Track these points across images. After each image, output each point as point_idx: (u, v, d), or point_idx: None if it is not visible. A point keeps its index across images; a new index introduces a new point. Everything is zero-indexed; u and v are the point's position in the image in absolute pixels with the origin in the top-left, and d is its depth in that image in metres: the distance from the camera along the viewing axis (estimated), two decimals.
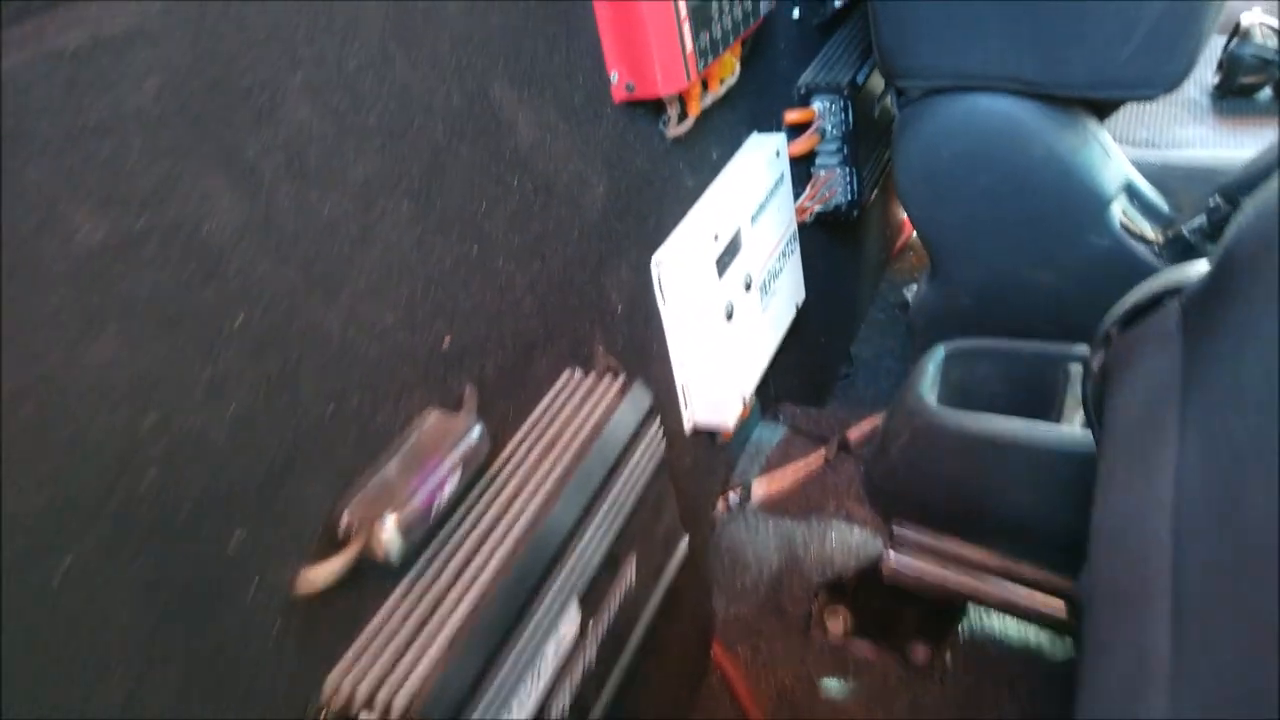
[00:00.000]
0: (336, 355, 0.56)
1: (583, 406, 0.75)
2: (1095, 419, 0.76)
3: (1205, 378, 0.60)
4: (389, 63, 0.57)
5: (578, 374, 0.78)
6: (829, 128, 1.21)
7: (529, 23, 0.69)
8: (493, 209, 0.67)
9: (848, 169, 1.24)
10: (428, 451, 0.62)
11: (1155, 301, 0.70)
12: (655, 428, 0.78)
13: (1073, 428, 0.90)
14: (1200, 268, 0.69)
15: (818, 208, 1.25)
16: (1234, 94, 1.12)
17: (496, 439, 0.70)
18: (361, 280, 0.57)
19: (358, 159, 0.56)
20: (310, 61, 0.52)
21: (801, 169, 1.24)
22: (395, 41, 0.57)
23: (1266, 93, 1.11)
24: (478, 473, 0.66)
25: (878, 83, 1.27)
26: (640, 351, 0.91)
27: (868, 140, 1.26)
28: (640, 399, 0.76)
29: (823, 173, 1.25)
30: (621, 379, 0.77)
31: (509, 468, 0.69)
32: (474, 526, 0.64)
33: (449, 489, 0.61)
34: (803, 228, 1.21)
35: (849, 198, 1.26)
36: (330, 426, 0.56)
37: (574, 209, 0.78)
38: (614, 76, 0.80)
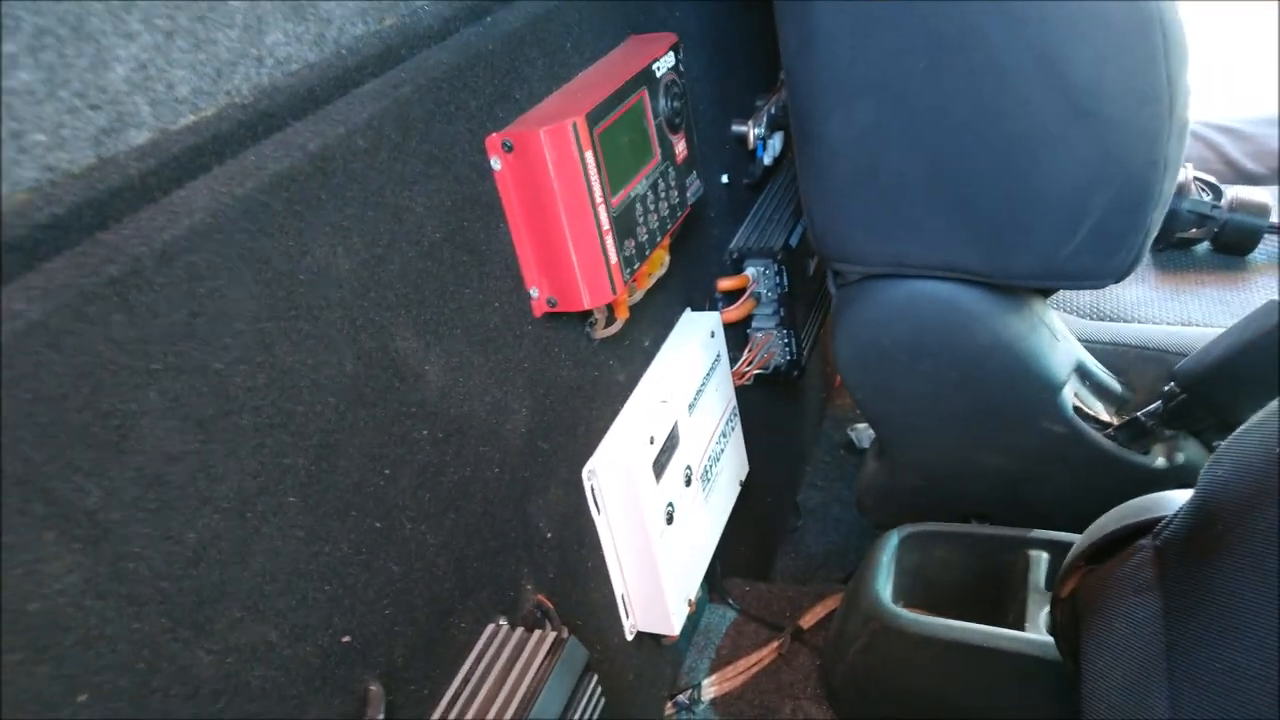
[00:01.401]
0: (209, 698, 0.47)
1: (509, 673, 0.66)
2: (1070, 655, 0.70)
3: (1194, 652, 0.54)
4: (267, 349, 0.50)
5: (503, 627, 0.70)
6: (764, 292, 1.17)
7: (435, 259, 0.63)
8: (397, 473, 0.60)
9: (785, 330, 1.20)
10: None
11: (1127, 536, 0.65)
12: (591, 689, 0.69)
13: (1040, 634, 0.85)
14: (1170, 501, 0.64)
15: (757, 371, 1.21)
16: (1172, 247, 1.12)
17: None
18: (239, 602, 0.48)
19: (229, 469, 0.48)
20: (167, 373, 0.44)
21: (737, 331, 1.20)
22: (274, 322, 0.50)
23: (1204, 246, 1.11)
24: None
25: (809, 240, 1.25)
26: (574, 573, 0.83)
27: (804, 299, 1.23)
28: (574, 658, 0.68)
29: (760, 335, 1.21)
30: (553, 635, 0.68)
31: None
32: None
33: None
34: (741, 390, 1.16)
35: (788, 358, 1.22)
36: None
37: (493, 443, 0.70)
38: (534, 292, 0.75)
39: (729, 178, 1.15)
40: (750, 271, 1.16)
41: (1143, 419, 0.87)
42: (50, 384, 0.39)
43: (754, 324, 1.21)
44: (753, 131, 1.17)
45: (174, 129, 0.49)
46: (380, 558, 0.58)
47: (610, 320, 0.84)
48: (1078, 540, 0.70)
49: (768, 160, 1.23)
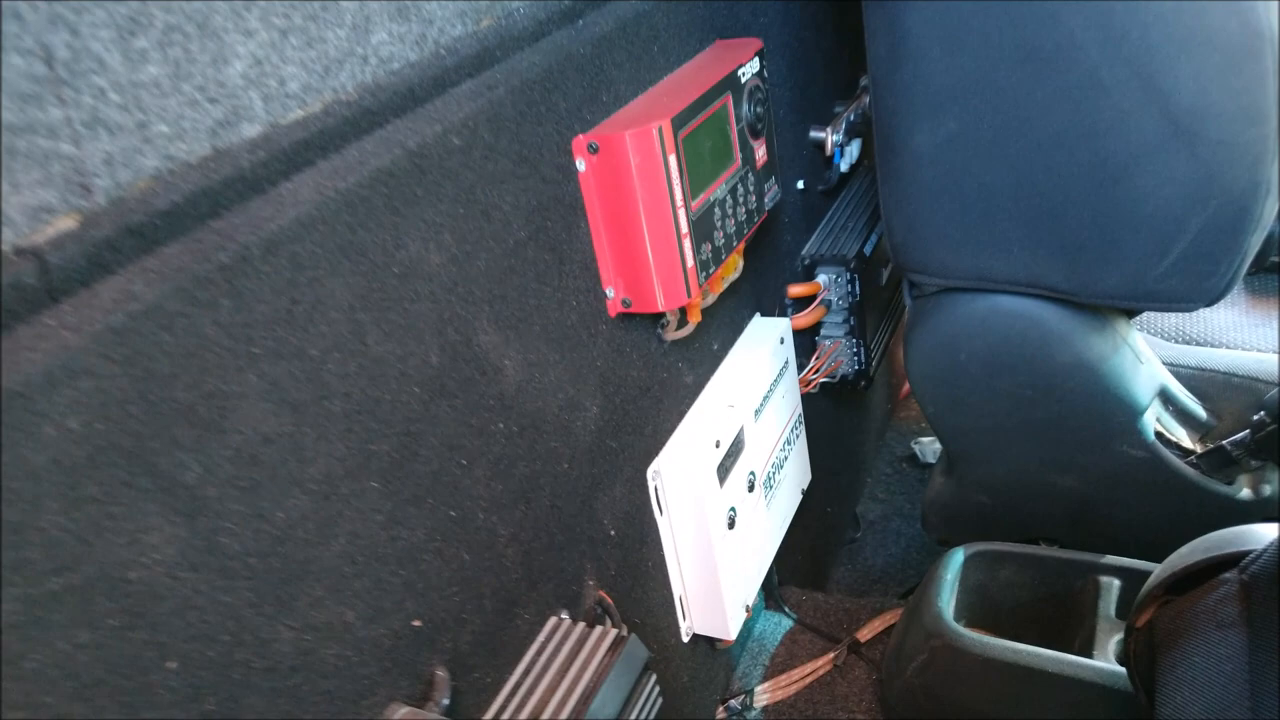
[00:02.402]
0: (287, 673, 0.49)
1: (569, 667, 0.67)
2: (1142, 686, 0.68)
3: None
4: (359, 337, 0.51)
5: (565, 621, 0.71)
6: (835, 299, 1.16)
7: (519, 257, 0.64)
8: (473, 464, 0.61)
9: (854, 340, 1.19)
10: None
11: (1210, 569, 0.63)
12: (651, 687, 0.70)
13: (1109, 662, 0.82)
14: (1257, 535, 0.62)
15: (824, 379, 1.20)
16: (1265, 271, 1.07)
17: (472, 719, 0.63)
18: (320, 581, 0.50)
19: (318, 452, 0.49)
20: (266, 358, 0.46)
21: (805, 337, 1.19)
22: (367, 312, 0.52)
23: None
24: None
25: (885, 248, 1.23)
26: (635, 572, 0.84)
27: (875, 309, 1.21)
28: (634, 657, 0.69)
29: (828, 343, 1.20)
30: (614, 632, 0.69)
31: None
32: None
33: None
34: (806, 397, 1.15)
35: (856, 368, 1.21)
36: None
37: (564, 439, 0.71)
38: (610, 292, 0.75)
39: (804, 183, 1.15)
40: (822, 279, 1.15)
41: (1228, 448, 0.84)
42: (162, 363, 0.41)
43: (823, 332, 1.20)
44: (831, 138, 1.16)
45: (283, 123, 0.51)
46: (453, 545, 0.60)
47: (682, 323, 0.84)
48: (1157, 569, 0.68)
49: (844, 167, 1.22)
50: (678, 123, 0.71)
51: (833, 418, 1.32)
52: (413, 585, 0.57)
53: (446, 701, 0.58)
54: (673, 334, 0.84)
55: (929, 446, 1.63)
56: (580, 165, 0.70)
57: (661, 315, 0.83)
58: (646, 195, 0.70)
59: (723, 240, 0.80)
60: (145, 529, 0.41)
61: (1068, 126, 0.73)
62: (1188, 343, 0.98)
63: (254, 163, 0.48)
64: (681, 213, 0.72)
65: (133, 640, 0.41)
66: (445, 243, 0.57)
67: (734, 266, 0.88)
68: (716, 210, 0.79)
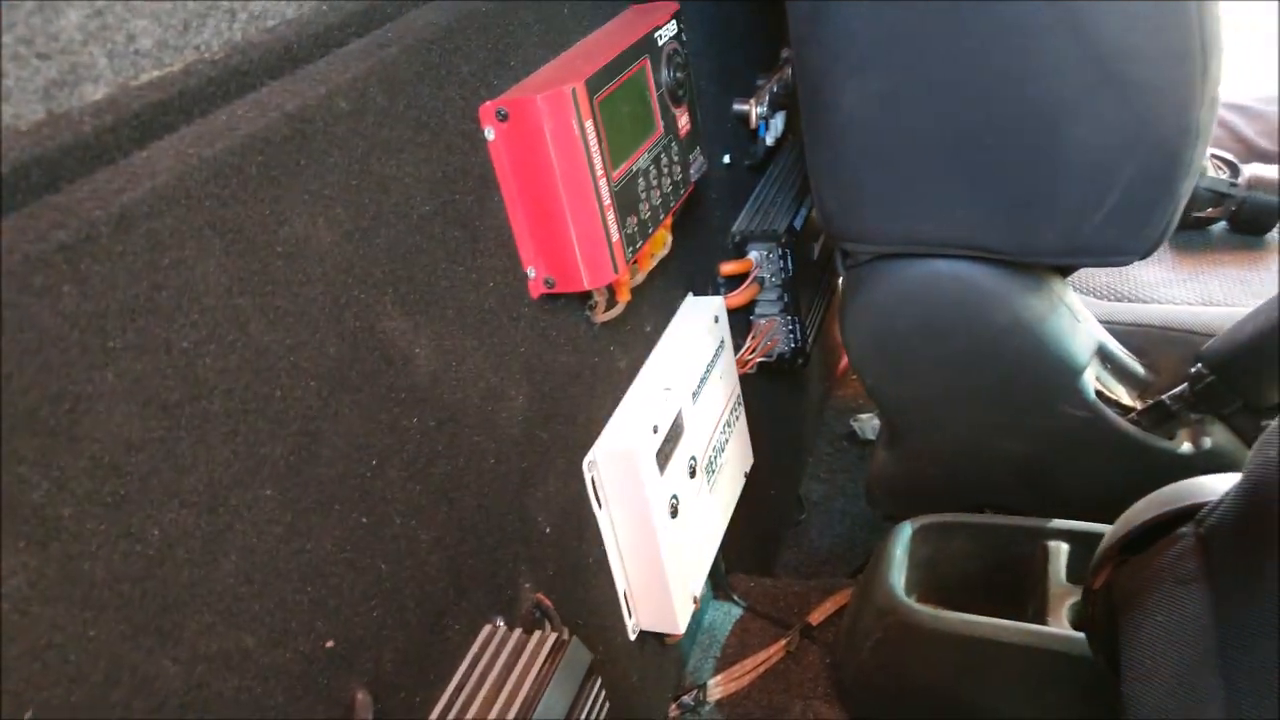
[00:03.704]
0: (176, 710, 0.43)
1: (507, 678, 0.62)
2: (1102, 650, 0.66)
3: (1252, 647, 0.50)
4: (239, 326, 0.45)
5: (500, 629, 0.66)
6: (768, 276, 1.13)
7: (425, 234, 0.59)
8: (385, 464, 0.55)
9: (790, 316, 1.15)
10: None
11: (1164, 525, 0.61)
12: (596, 692, 0.65)
13: (1063, 628, 0.81)
14: (1207, 487, 0.60)
15: (760, 359, 1.16)
16: (1188, 228, 1.08)
17: None
18: (210, 606, 0.44)
19: (198, 458, 0.43)
20: (126, 352, 0.40)
21: (740, 317, 1.16)
22: (247, 298, 0.46)
23: (1221, 225, 1.07)
24: None
25: (815, 222, 1.20)
26: (574, 570, 0.79)
27: (808, 285, 1.19)
28: (576, 661, 0.64)
29: (763, 321, 1.17)
30: (554, 637, 0.64)
31: None
32: None
33: None
34: (743, 379, 1.12)
35: (793, 345, 1.18)
36: None
37: (488, 432, 0.66)
38: (530, 272, 0.70)
39: (730, 158, 1.11)
40: (753, 255, 1.11)
41: (1168, 402, 0.83)
42: None
43: (757, 310, 1.16)
44: (755, 110, 1.13)
45: (135, 84, 0.45)
46: (367, 555, 0.54)
47: (611, 303, 0.79)
48: (1110, 530, 0.66)
49: (770, 141, 1.19)
50: (592, 85, 0.66)
51: (771, 399, 1.29)
52: (322, 603, 0.51)
53: None
54: (602, 315, 0.79)
55: (868, 423, 1.62)
56: (489, 134, 0.65)
57: (589, 296, 0.78)
58: (563, 164, 0.65)
59: (649, 213, 0.76)
60: None
61: (997, 75, 0.70)
62: (1120, 300, 0.98)
63: (99, 128, 0.41)
64: (602, 183, 0.68)
65: None
66: (337, 218, 0.51)
67: (662, 243, 0.84)
68: (640, 181, 0.74)
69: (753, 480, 1.09)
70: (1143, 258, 0.76)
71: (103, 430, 0.39)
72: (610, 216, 0.69)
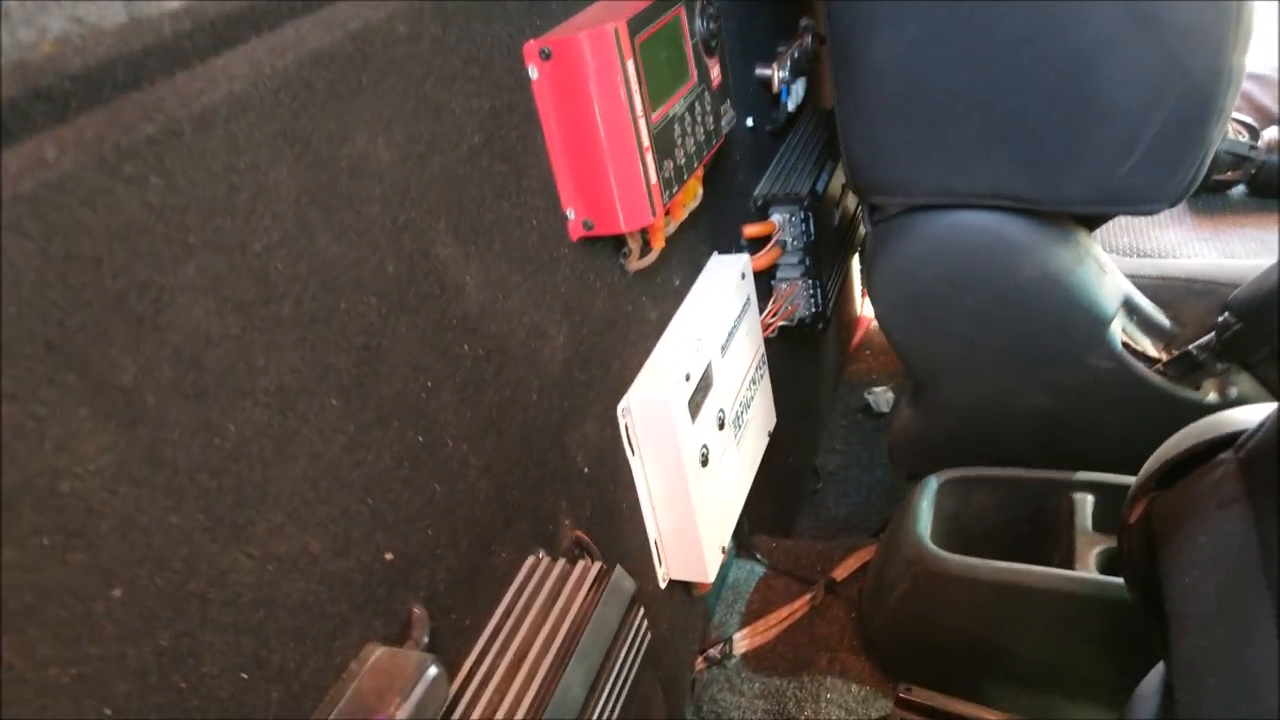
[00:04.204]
0: (249, 608, 0.44)
1: (553, 604, 0.63)
2: (1138, 585, 0.67)
3: None
4: (307, 236, 0.46)
5: (543, 560, 0.67)
6: (790, 240, 1.14)
7: (474, 165, 0.60)
8: (439, 386, 0.56)
9: (811, 280, 1.17)
10: (372, 704, 0.49)
11: (1202, 455, 0.62)
12: (639, 621, 0.66)
13: (1091, 572, 0.82)
14: (1241, 418, 0.61)
15: (781, 323, 1.17)
16: (1208, 191, 1.09)
17: (452, 664, 0.58)
18: (280, 506, 0.45)
19: (270, 359, 0.44)
20: (205, 249, 0.41)
21: (761, 282, 1.17)
22: (315, 208, 0.47)
23: (1240, 189, 1.08)
24: (435, 716, 0.53)
25: (836, 188, 1.22)
26: (609, 513, 0.80)
27: (829, 249, 1.20)
28: (621, 589, 0.65)
29: (784, 286, 1.18)
30: (597, 566, 0.65)
31: (467, 697, 0.57)
32: None
33: None
34: (765, 342, 1.13)
35: (813, 310, 1.19)
36: (244, 700, 0.43)
37: (531, 367, 0.67)
38: (570, 214, 0.71)
39: (754, 121, 1.12)
40: (776, 218, 1.13)
41: (1194, 352, 0.84)
42: (84, 243, 0.36)
43: (778, 274, 1.18)
44: (777, 75, 1.14)
45: None
46: (422, 474, 0.55)
47: (645, 250, 0.80)
48: (1145, 464, 0.67)
49: (791, 106, 1.20)
50: (633, 26, 0.67)
51: (791, 364, 1.31)
52: (381, 516, 0.52)
53: (426, 640, 0.54)
54: (636, 263, 0.80)
55: (882, 396, 1.63)
56: (533, 73, 0.66)
57: (623, 244, 0.79)
58: (604, 103, 0.66)
59: (684, 159, 0.77)
60: (76, 435, 0.36)
61: (1030, 21, 0.71)
62: (1144, 258, 0.99)
63: (177, 33, 0.42)
64: (642, 124, 0.69)
65: (70, 563, 0.36)
66: (395, 140, 0.52)
67: (694, 193, 0.85)
68: (676, 127, 0.75)
69: (772, 447, 1.10)
70: (1171, 205, 0.77)
71: (184, 322, 0.40)
72: (649, 159, 0.70)
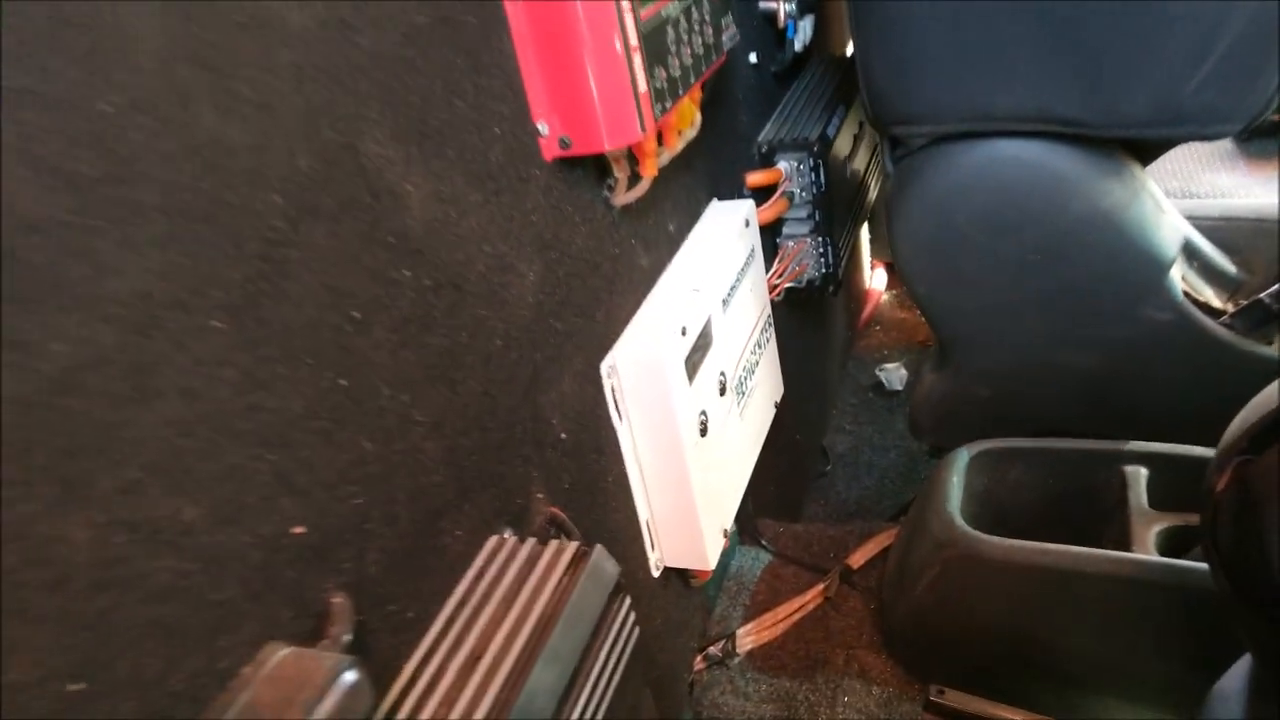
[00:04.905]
0: (87, 590, 0.32)
1: (518, 593, 0.52)
2: (1228, 565, 0.56)
3: None
4: (181, 103, 0.35)
5: (509, 540, 0.55)
6: (797, 191, 1.02)
7: (419, 49, 0.48)
8: (370, 320, 0.45)
9: (820, 238, 1.05)
10: None
11: None
12: (625, 611, 0.55)
13: (1151, 555, 0.71)
14: None
15: (788, 284, 1.06)
16: (1260, 135, 0.97)
17: (388, 667, 0.47)
18: (135, 458, 0.34)
19: (124, 261, 0.33)
20: (19, 95, 0.29)
21: (766, 240, 1.05)
22: (193, 68, 0.35)
23: None
24: None
25: (846, 140, 1.10)
26: (591, 489, 0.68)
27: (841, 204, 1.08)
28: (603, 572, 0.54)
29: (791, 244, 1.06)
30: (574, 546, 0.54)
31: (406, 710, 0.45)
32: None
33: None
34: (771, 306, 1.01)
35: (823, 271, 1.07)
36: (74, 715, 0.32)
37: (495, 308, 0.56)
38: (543, 128, 0.60)
39: (758, 58, 1.01)
40: (783, 166, 1.01)
41: (1267, 301, 0.73)
42: None
43: (784, 230, 1.06)
44: (783, 7, 1.02)
45: None
46: (346, 428, 0.44)
47: (634, 180, 0.69)
48: (1235, 423, 0.56)
49: (798, 45, 1.09)
50: None
51: (797, 332, 1.19)
52: (288, 478, 0.41)
53: (349, 638, 0.42)
54: (623, 196, 0.69)
55: (894, 373, 1.52)
56: None
57: (608, 174, 0.68)
58: None
59: (679, 72, 0.65)
60: None
61: None
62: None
63: None
64: (629, 19, 0.57)
65: None
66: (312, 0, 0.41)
67: (690, 118, 0.74)
68: (669, 31, 0.64)
69: (777, 424, 0.98)
70: (1243, 127, 0.65)
71: None
72: (637, 62, 0.59)
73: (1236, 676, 0.60)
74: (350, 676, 0.38)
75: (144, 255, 0.34)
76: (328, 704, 0.37)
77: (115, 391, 0.33)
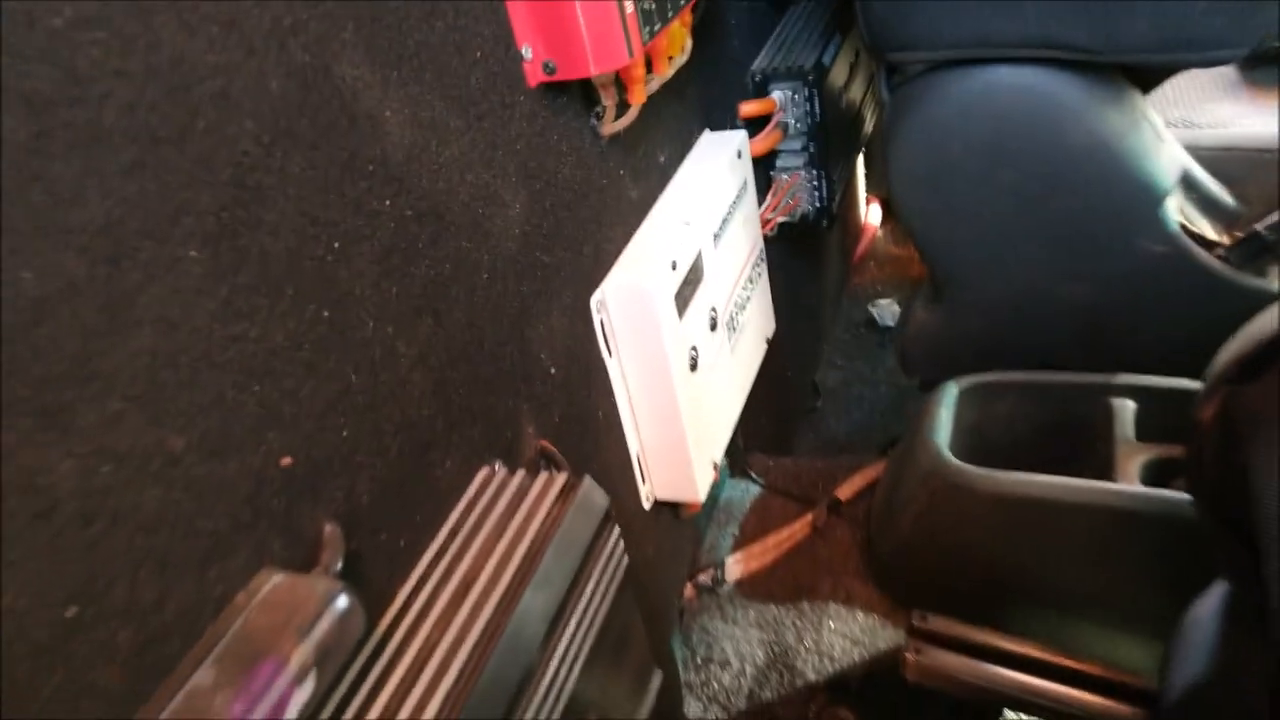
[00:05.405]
0: (75, 521, 0.32)
1: (509, 522, 0.52)
2: (1210, 495, 0.57)
3: None
4: (139, 18, 0.34)
5: (499, 472, 0.56)
6: (792, 121, 1.01)
7: None
8: (350, 250, 0.44)
9: (815, 170, 1.04)
10: (262, 644, 0.38)
11: None
12: (614, 541, 0.56)
13: (1135, 485, 0.71)
14: None
15: (782, 219, 1.05)
16: (1264, 63, 0.95)
17: (383, 594, 0.47)
18: (117, 389, 0.34)
19: (89, 189, 0.32)
20: None
21: (760, 173, 1.04)
22: None
23: None
24: (350, 658, 0.42)
25: (842, 70, 1.08)
26: (582, 423, 0.69)
27: (837, 136, 1.06)
28: (592, 502, 0.54)
29: (785, 176, 1.05)
30: (564, 476, 0.54)
31: (399, 636, 0.46)
32: None
33: (300, 699, 0.38)
34: (764, 241, 1.00)
35: (818, 205, 1.06)
36: (74, 644, 0.32)
37: (480, 241, 0.55)
38: (526, 52, 0.58)
39: None
40: (777, 95, 0.99)
41: (1263, 233, 0.72)
42: None
43: (779, 163, 1.05)
44: None
45: None
46: (330, 359, 0.43)
47: (622, 109, 0.67)
48: (1222, 353, 0.56)
49: None
50: None
51: (791, 268, 1.19)
52: (275, 408, 0.40)
53: (339, 565, 0.43)
54: (611, 125, 0.67)
55: (887, 309, 1.52)
56: None
57: (596, 102, 0.66)
58: None
59: None
60: None
61: None
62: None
63: None
64: None
65: None
66: None
67: (681, 44, 0.72)
68: None
69: (769, 359, 0.98)
70: (1251, 50, 0.64)
71: None
72: None
73: (1210, 602, 0.61)
74: (343, 601, 0.39)
75: (107, 182, 0.33)
76: (321, 627, 0.38)
77: (89, 325, 0.33)
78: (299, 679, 0.38)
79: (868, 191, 1.68)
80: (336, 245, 0.44)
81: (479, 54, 0.54)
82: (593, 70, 0.58)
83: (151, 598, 0.35)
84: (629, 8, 0.57)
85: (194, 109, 0.36)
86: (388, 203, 0.47)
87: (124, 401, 0.34)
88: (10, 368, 0.30)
